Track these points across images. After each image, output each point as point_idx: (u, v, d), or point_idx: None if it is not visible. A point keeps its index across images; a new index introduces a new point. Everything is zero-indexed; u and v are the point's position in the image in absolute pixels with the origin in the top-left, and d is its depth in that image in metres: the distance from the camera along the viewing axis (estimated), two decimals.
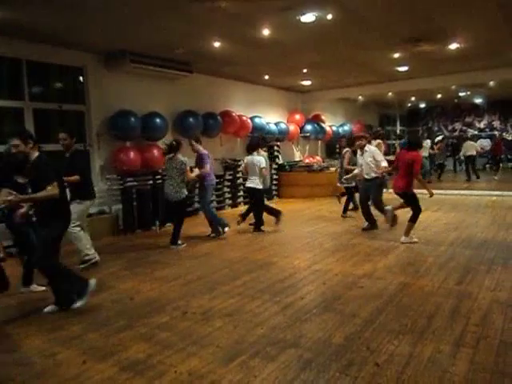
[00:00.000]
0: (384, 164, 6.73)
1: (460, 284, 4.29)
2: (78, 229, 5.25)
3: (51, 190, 3.66)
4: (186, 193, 6.39)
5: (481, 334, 3.13)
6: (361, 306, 3.77)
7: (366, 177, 6.83)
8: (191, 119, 9.00)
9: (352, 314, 3.60)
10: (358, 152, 7.05)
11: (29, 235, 4.42)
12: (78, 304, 3.91)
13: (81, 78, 7.65)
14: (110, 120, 7.72)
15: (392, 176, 6.92)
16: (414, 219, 6.00)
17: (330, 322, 3.46)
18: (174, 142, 6.37)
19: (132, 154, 7.77)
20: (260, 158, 7.21)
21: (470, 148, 14.11)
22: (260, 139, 8.23)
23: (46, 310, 3.91)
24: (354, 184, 8.05)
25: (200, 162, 6.73)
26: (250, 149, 7.38)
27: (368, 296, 4.03)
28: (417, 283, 4.36)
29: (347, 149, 8.17)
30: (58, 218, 3.95)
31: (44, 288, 4.44)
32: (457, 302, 3.80)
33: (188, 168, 6.39)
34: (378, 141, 7.88)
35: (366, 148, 6.87)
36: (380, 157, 6.80)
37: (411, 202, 6.03)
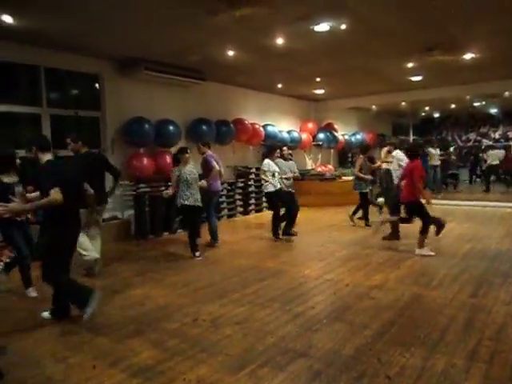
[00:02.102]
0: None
1: (474, 297, 4.22)
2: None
3: (54, 194, 3.49)
4: (182, 201, 6.05)
5: (495, 349, 3.07)
6: (372, 317, 3.73)
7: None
8: (204, 126, 9.06)
9: (363, 325, 3.56)
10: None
11: (12, 237, 4.39)
12: (87, 314, 3.69)
13: (96, 85, 7.77)
14: (124, 126, 7.82)
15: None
16: (423, 231, 5.88)
17: (340, 333, 3.43)
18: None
19: (145, 161, 7.85)
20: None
21: (496, 157, 13.68)
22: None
23: (43, 314, 3.92)
24: (356, 191, 8.21)
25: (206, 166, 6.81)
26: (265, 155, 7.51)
27: (379, 307, 3.99)
28: (429, 295, 4.30)
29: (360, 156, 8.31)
30: (62, 226, 3.75)
31: (36, 295, 4.49)
32: (470, 315, 3.74)
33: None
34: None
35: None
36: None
37: (416, 212, 5.98)
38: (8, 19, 5.34)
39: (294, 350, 3.15)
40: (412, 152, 6.15)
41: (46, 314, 3.91)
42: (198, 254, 6.08)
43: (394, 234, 6.86)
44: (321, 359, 2.99)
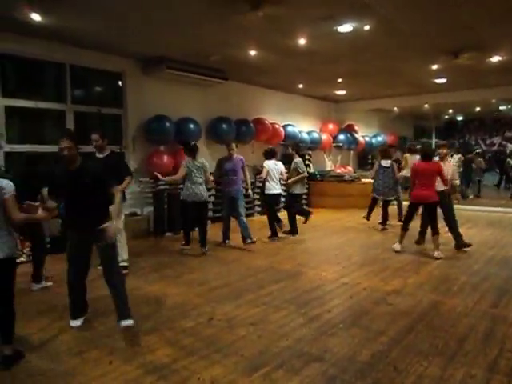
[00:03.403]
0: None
1: (495, 307, 4.11)
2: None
3: (126, 184, 3.63)
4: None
5: None
6: (389, 324, 3.68)
7: (438, 189, 6.31)
8: (224, 125, 9.09)
9: (379, 332, 3.51)
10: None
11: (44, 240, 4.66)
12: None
13: (119, 83, 7.88)
14: (145, 124, 7.90)
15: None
16: (438, 230, 5.99)
17: (356, 338, 3.39)
18: (193, 144, 6.51)
19: (165, 158, 7.92)
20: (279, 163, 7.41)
21: None
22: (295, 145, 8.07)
23: (124, 324, 3.50)
24: (393, 197, 8.20)
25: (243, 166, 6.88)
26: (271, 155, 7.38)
27: (396, 313, 3.93)
28: (449, 303, 4.22)
29: (390, 160, 8.24)
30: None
31: (51, 283, 4.72)
32: (491, 325, 3.65)
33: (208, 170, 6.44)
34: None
35: (449, 158, 6.64)
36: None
37: (434, 212, 6.02)
38: (37, 17, 5.46)
39: (309, 353, 3.13)
40: (429, 154, 6.17)
41: (129, 323, 3.53)
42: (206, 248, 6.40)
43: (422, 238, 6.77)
44: (336, 364, 2.96)
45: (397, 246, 6.32)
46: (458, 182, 6.52)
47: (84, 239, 3.58)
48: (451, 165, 6.56)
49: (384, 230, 8.11)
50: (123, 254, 5.26)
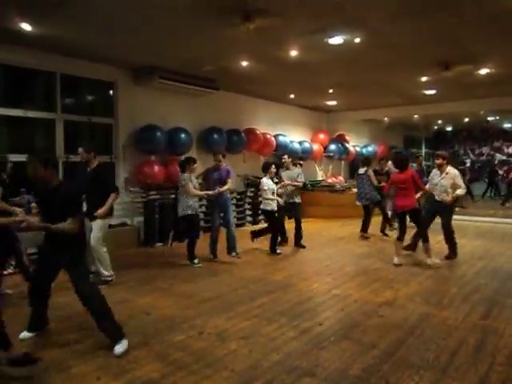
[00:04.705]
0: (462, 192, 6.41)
1: (485, 318, 4.12)
2: (105, 249, 5.15)
3: (72, 223, 3.32)
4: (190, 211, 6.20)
5: (508, 375, 2.98)
6: (380, 337, 3.66)
7: (437, 198, 6.41)
8: (215, 135, 9.09)
9: (371, 345, 3.49)
10: (436, 172, 6.52)
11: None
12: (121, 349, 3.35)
13: (110, 92, 7.85)
14: (136, 133, 7.87)
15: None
16: (426, 238, 6.12)
17: (347, 352, 3.36)
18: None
19: (156, 168, 7.87)
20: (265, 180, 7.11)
21: None
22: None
23: (117, 351, 3.32)
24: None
25: (226, 176, 6.64)
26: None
27: (388, 326, 3.92)
28: (439, 315, 4.22)
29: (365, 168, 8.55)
30: (83, 247, 3.70)
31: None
32: (482, 337, 3.65)
33: (189, 184, 6.15)
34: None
35: (448, 170, 6.41)
36: (461, 182, 6.42)
37: (418, 218, 6.30)
38: (27, 27, 5.43)
39: (300, 368, 3.10)
40: (405, 163, 6.31)
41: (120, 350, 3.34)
42: (196, 261, 6.28)
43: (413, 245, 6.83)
44: (327, 379, 2.93)
45: (397, 260, 6.21)
46: (461, 191, 6.35)
47: (52, 249, 3.49)
48: (450, 177, 6.32)
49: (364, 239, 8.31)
50: (103, 271, 5.18)
